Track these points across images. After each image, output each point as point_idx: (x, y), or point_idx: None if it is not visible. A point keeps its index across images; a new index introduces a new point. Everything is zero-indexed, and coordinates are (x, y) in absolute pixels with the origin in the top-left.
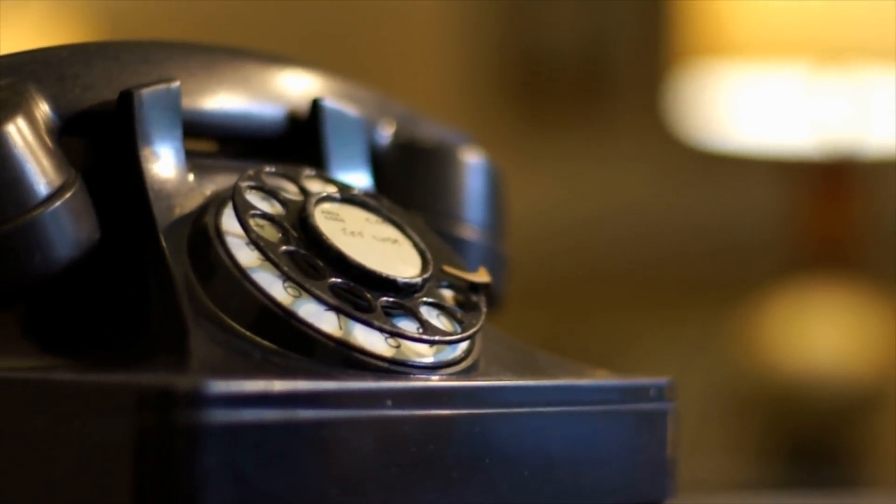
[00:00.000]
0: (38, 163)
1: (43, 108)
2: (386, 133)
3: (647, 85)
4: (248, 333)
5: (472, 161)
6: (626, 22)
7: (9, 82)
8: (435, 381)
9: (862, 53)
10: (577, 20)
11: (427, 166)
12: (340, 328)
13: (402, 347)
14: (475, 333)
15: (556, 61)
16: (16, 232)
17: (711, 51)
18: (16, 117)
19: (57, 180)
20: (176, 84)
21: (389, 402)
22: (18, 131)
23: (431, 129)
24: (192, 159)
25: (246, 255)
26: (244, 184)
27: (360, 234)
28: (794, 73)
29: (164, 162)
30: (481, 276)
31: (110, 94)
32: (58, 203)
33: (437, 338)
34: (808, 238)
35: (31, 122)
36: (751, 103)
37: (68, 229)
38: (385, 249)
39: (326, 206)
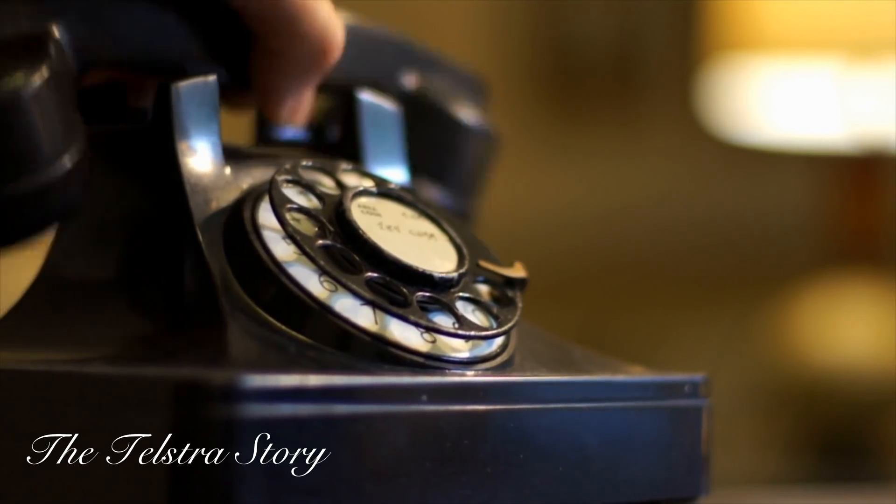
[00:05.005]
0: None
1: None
2: None
3: (679, 79)
4: (283, 327)
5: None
6: (657, 16)
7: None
8: (470, 376)
9: (894, 47)
10: (609, 15)
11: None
12: (376, 323)
13: (438, 342)
14: (511, 329)
15: (587, 56)
16: None
17: (743, 45)
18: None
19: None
20: (213, 77)
21: (425, 397)
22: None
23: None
24: (229, 153)
25: (282, 249)
26: (281, 177)
27: (397, 228)
28: (825, 67)
29: (200, 156)
30: (517, 271)
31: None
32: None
33: (472, 333)
34: (839, 232)
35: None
36: (782, 97)
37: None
38: (421, 244)
39: (363, 200)
